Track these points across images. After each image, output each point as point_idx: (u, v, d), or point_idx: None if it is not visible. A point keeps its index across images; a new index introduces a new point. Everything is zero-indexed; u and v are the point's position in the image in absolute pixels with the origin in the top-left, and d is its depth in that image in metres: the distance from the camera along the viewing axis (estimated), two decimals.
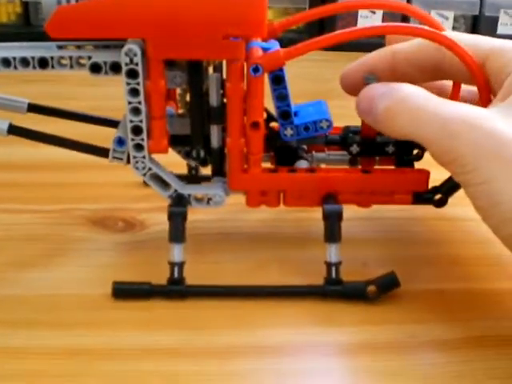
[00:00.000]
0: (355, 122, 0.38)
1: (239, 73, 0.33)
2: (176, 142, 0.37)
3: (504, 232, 0.30)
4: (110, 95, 0.60)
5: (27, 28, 0.81)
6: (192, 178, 0.42)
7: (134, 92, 0.33)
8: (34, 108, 0.39)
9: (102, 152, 0.36)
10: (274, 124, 0.38)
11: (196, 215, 0.38)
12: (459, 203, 0.37)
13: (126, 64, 0.33)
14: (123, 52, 0.32)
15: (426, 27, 0.34)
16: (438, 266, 0.38)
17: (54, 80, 0.66)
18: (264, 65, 0.33)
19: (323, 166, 0.39)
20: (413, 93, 0.33)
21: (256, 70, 0.33)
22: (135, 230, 0.41)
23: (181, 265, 0.35)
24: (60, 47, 0.35)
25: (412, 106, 0.32)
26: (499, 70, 0.33)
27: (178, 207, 0.35)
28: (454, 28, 0.73)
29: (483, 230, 0.32)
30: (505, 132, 0.30)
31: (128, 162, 0.36)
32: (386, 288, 0.35)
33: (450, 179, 0.37)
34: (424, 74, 0.36)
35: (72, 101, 0.51)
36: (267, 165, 0.37)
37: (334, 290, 0.35)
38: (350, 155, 0.38)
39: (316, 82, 0.69)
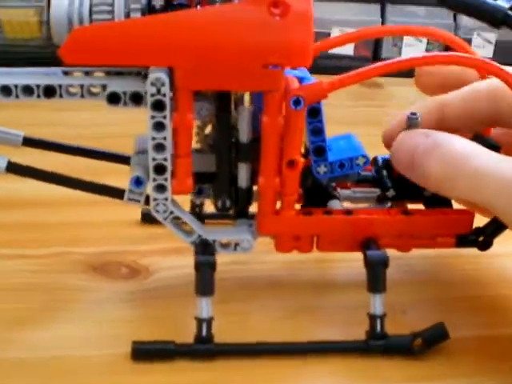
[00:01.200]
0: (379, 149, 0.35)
1: (278, 105, 0.30)
2: (196, 179, 0.33)
3: None
4: (87, 121, 0.56)
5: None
6: (197, 216, 0.38)
7: (159, 126, 0.29)
8: (30, 141, 0.34)
9: (115, 193, 0.32)
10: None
11: None
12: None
13: (152, 95, 0.29)
14: (149, 81, 0.28)
15: (487, 60, 0.31)
16: (484, 310, 0.35)
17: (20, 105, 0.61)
18: (306, 97, 0.30)
19: (347, 203, 0.36)
20: (472, 154, 0.29)
21: (297, 102, 0.30)
22: (140, 277, 0.37)
23: (209, 321, 0.31)
24: (66, 73, 0.31)
25: (473, 170, 0.29)
26: None
27: (206, 255, 0.31)
28: (426, 50, 0.72)
29: None
30: None
31: (146, 203, 0.32)
32: (434, 341, 0.32)
33: (494, 220, 0.34)
34: (477, 125, 0.33)
35: (47, 127, 0.46)
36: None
37: (378, 345, 0.31)
38: (383, 198, 0.35)
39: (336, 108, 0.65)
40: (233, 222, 0.34)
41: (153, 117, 0.29)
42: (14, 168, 0.32)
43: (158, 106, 0.29)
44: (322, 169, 0.33)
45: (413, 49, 0.70)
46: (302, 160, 0.31)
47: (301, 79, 0.32)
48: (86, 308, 0.34)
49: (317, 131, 0.32)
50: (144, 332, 0.32)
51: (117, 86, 0.30)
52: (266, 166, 0.31)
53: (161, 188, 0.31)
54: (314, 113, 0.32)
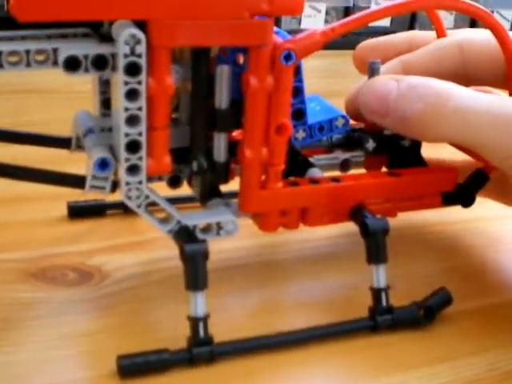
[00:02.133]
0: None
1: (266, 62, 0.26)
2: None
3: None
4: None
5: None
6: None
7: (133, 94, 0.24)
8: None
9: (73, 181, 0.27)
10: None
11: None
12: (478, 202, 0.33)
13: (126, 56, 0.24)
14: (122, 39, 0.23)
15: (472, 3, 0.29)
16: (478, 277, 0.34)
17: None
18: (297, 51, 0.26)
19: None
20: (453, 91, 0.28)
21: (288, 57, 0.26)
22: (95, 281, 0.31)
23: (205, 319, 0.26)
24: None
25: (457, 106, 0.27)
26: None
27: (195, 244, 0.26)
28: (326, 22, 0.70)
29: None
30: None
31: (113, 190, 0.27)
32: (439, 308, 0.30)
33: (474, 174, 0.32)
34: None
35: None
36: None
37: (386, 319, 0.29)
38: (366, 153, 0.32)
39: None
40: (203, 204, 0.29)
41: (126, 83, 0.24)
42: None
43: (133, 69, 0.24)
44: (301, 134, 0.30)
45: (311, 20, 0.68)
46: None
47: (276, 33, 0.28)
48: (40, 325, 0.28)
49: (296, 91, 0.29)
50: (119, 344, 0.27)
51: (73, 49, 0.24)
52: (253, 134, 0.27)
53: (134, 169, 0.26)
54: (294, 71, 0.28)
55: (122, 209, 0.36)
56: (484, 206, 0.35)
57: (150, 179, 0.27)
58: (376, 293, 0.29)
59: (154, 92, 0.25)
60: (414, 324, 0.29)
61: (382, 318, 0.29)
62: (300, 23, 0.69)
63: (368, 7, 0.71)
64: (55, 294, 0.30)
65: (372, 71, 0.30)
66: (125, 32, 0.23)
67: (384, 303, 0.29)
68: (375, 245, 0.29)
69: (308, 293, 0.32)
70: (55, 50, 0.24)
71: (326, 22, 0.70)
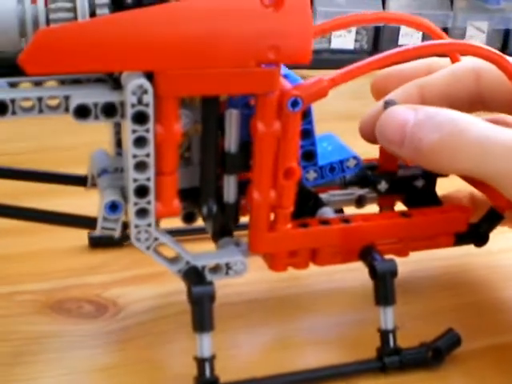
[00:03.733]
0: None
1: (274, 109, 0.26)
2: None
3: None
4: None
5: None
6: None
7: (141, 141, 0.25)
8: None
9: (86, 222, 0.27)
10: None
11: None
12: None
13: (133, 105, 0.24)
14: (130, 89, 0.24)
15: (483, 46, 0.29)
16: (492, 314, 0.34)
17: None
18: (305, 97, 0.26)
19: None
20: (471, 122, 0.28)
21: (295, 104, 0.26)
22: (109, 314, 0.32)
23: (211, 360, 0.27)
24: (12, 85, 0.26)
25: (474, 137, 0.27)
26: None
27: (203, 286, 0.27)
28: (356, 41, 0.70)
29: None
30: None
31: (123, 231, 0.27)
32: (448, 350, 0.30)
33: (489, 214, 0.32)
34: (459, 107, 0.31)
35: None
36: None
37: (394, 361, 0.29)
38: (378, 194, 0.32)
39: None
40: (215, 242, 0.30)
41: (134, 131, 0.25)
42: None
43: (140, 117, 0.25)
44: (312, 174, 0.30)
45: (341, 40, 0.68)
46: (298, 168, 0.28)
47: (285, 77, 0.28)
48: (53, 359, 0.29)
49: (306, 133, 0.29)
50: (130, 380, 0.28)
51: (83, 96, 0.25)
52: (261, 178, 0.27)
53: (143, 213, 0.26)
54: (304, 113, 0.28)
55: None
56: (499, 238, 0.34)
57: None
58: (384, 334, 0.29)
59: (162, 139, 0.25)
60: (423, 365, 0.29)
61: (390, 360, 0.29)
62: (330, 43, 0.69)
63: (398, 27, 0.71)
64: (70, 327, 0.31)
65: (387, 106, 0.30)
66: (132, 82, 0.24)
67: (391, 345, 0.29)
68: (383, 287, 0.29)
69: (319, 330, 0.32)
70: (67, 98, 0.25)
71: (356, 41, 0.70)
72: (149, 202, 0.26)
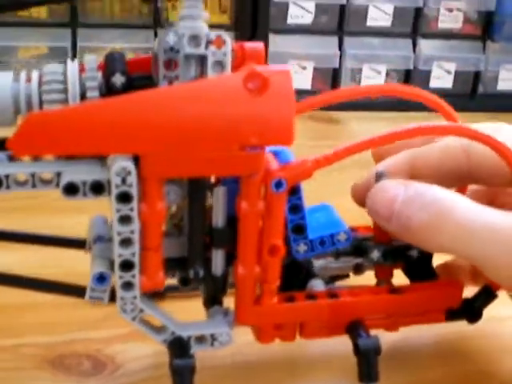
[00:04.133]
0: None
1: (257, 189, 0.27)
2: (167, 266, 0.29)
3: None
4: None
5: None
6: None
7: (125, 220, 0.26)
8: None
9: (75, 291, 0.28)
10: None
11: None
12: None
13: (117, 186, 0.25)
14: (114, 171, 0.25)
15: (469, 127, 0.29)
16: None
17: None
18: (289, 179, 0.27)
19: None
20: (457, 203, 0.28)
21: (279, 185, 0.27)
22: (107, 372, 0.33)
23: None
24: (11, 158, 0.28)
25: (460, 219, 0.27)
26: None
27: (183, 359, 0.28)
28: (386, 82, 0.70)
29: None
30: None
31: (111, 300, 0.28)
32: None
33: (483, 290, 0.32)
34: (448, 180, 0.31)
35: None
36: None
37: None
38: (371, 263, 0.32)
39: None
40: (206, 310, 0.31)
41: (118, 210, 0.26)
42: None
43: (124, 197, 0.25)
44: (302, 247, 0.30)
45: (371, 81, 0.68)
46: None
47: (276, 154, 0.29)
48: None
49: (296, 208, 0.29)
50: None
51: (73, 173, 0.26)
52: (245, 254, 0.28)
53: (128, 286, 0.27)
54: (294, 190, 0.29)
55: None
56: (495, 305, 0.34)
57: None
58: None
59: (146, 217, 0.26)
60: None
61: None
62: (360, 84, 0.69)
63: (429, 70, 0.70)
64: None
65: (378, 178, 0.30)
66: (116, 164, 0.25)
67: None
68: (366, 364, 0.29)
69: None
70: (58, 174, 0.26)
71: (386, 82, 0.70)
72: (133, 276, 0.27)
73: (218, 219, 0.28)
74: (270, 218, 0.27)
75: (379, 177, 0.30)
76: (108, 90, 0.26)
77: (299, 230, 0.30)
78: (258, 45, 0.29)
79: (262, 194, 0.27)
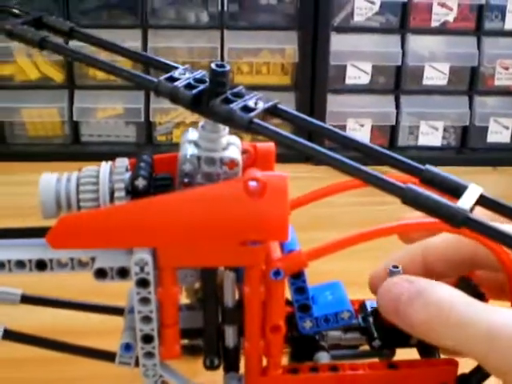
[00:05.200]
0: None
1: (258, 277, 0.31)
2: (185, 335, 0.34)
3: None
4: None
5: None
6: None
7: (144, 301, 0.30)
8: (27, 299, 0.36)
9: (107, 357, 0.33)
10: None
11: None
12: None
13: (136, 273, 0.30)
14: (133, 262, 0.30)
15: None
16: None
17: None
18: (285, 268, 0.31)
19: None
20: (455, 303, 0.30)
21: (277, 274, 0.31)
22: None
23: None
24: None
25: (457, 320, 0.29)
26: None
27: None
28: (443, 138, 0.73)
29: None
30: None
31: (136, 365, 0.33)
32: None
33: (479, 368, 0.34)
34: (459, 268, 0.34)
35: None
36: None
37: None
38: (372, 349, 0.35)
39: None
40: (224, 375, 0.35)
41: (138, 293, 0.30)
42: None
43: (143, 283, 0.30)
44: (308, 324, 0.34)
45: (429, 137, 0.71)
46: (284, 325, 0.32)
47: (282, 244, 0.33)
48: None
49: (301, 290, 0.33)
50: None
51: (104, 260, 0.31)
52: (250, 331, 0.32)
53: (149, 355, 0.32)
54: (297, 274, 0.33)
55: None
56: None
57: None
58: None
59: (163, 299, 0.31)
60: None
61: None
62: (417, 140, 0.72)
63: (486, 126, 0.72)
64: None
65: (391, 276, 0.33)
66: (135, 256, 0.30)
67: None
68: None
69: None
70: (93, 259, 0.31)
71: (444, 138, 0.72)
72: (154, 347, 0.31)
73: (228, 300, 0.32)
74: (271, 301, 0.31)
75: (392, 273, 0.33)
76: (133, 191, 0.31)
77: (304, 308, 0.34)
78: (270, 145, 0.34)
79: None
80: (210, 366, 0.34)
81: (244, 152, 0.32)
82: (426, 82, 0.71)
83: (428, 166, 0.26)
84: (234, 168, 0.30)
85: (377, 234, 0.31)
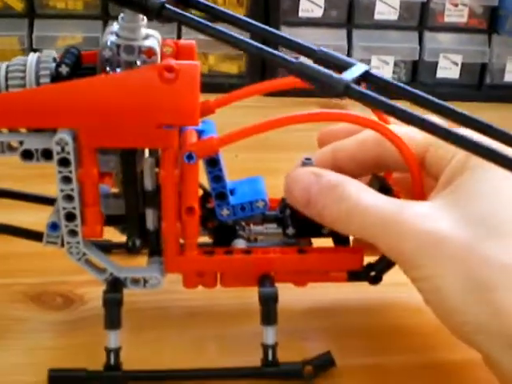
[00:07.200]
0: None
1: (172, 160, 0.33)
2: (111, 221, 0.36)
3: (451, 322, 0.31)
4: None
5: None
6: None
7: (66, 180, 0.33)
8: None
9: (35, 236, 0.36)
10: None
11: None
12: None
13: (58, 153, 0.32)
14: (54, 141, 0.32)
15: (370, 117, 0.34)
16: (375, 338, 0.39)
17: None
18: (197, 152, 0.33)
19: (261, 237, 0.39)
20: (361, 194, 0.33)
21: (190, 157, 0.33)
22: (74, 307, 0.40)
23: (117, 351, 0.34)
24: None
25: (360, 210, 0.32)
26: (439, 161, 0.34)
27: (113, 293, 0.34)
28: (394, 73, 0.75)
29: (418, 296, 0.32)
30: (444, 229, 0.30)
31: (63, 245, 0.35)
32: (321, 368, 0.35)
33: (383, 257, 0.37)
34: (365, 168, 0.36)
35: None
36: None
37: (271, 371, 0.35)
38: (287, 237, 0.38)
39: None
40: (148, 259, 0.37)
41: (60, 172, 0.33)
42: None
43: (64, 162, 0.32)
44: (225, 211, 0.36)
45: (379, 71, 0.73)
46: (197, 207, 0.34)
47: (200, 132, 0.35)
48: (18, 337, 0.38)
49: (217, 178, 0.35)
50: (65, 360, 0.36)
51: (31, 142, 0.33)
52: (167, 212, 0.34)
53: (72, 233, 0.34)
54: (213, 163, 0.35)
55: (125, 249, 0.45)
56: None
57: None
58: (265, 348, 0.35)
59: (83, 179, 0.33)
60: (298, 378, 0.35)
61: (268, 370, 0.35)
62: None
63: (436, 62, 0.74)
64: (39, 314, 0.40)
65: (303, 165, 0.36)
66: (56, 136, 0.32)
67: (270, 357, 0.35)
68: (265, 309, 0.35)
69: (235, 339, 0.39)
70: (21, 143, 0.34)
71: (394, 73, 0.75)
72: (76, 225, 0.34)
73: (148, 184, 0.34)
74: (184, 184, 0.34)
75: (304, 164, 0.36)
76: (57, 78, 0.33)
77: (221, 196, 0.36)
78: (191, 42, 0.36)
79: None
80: (133, 247, 0.36)
81: (165, 45, 0.34)
82: (377, 16, 0.73)
83: (321, 48, 0.28)
84: (151, 57, 0.32)
85: (285, 121, 0.33)
